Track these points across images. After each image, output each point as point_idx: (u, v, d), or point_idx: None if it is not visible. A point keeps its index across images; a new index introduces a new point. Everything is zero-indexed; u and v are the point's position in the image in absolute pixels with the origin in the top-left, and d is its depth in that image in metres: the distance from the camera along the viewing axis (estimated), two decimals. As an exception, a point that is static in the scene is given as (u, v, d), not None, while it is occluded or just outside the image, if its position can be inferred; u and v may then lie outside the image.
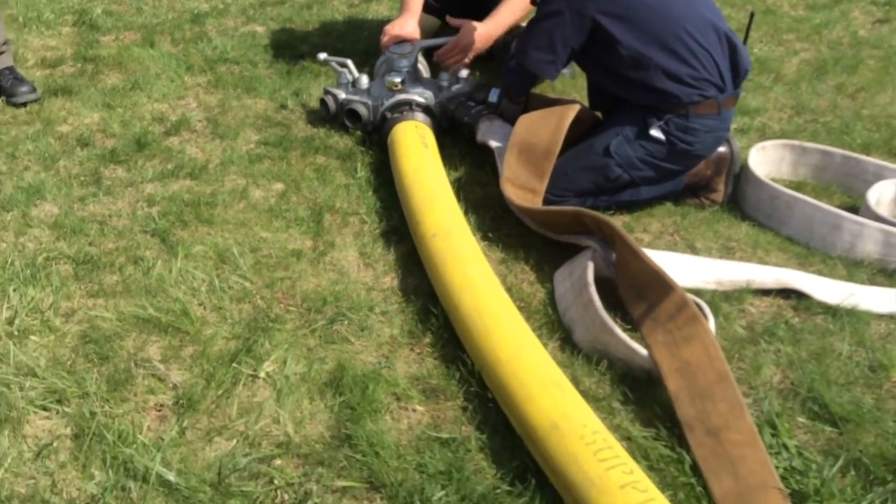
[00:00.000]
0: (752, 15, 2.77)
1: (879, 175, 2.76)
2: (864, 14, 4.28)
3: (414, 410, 1.92)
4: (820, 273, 2.42)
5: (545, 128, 2.61)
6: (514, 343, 1.88)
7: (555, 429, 1.67)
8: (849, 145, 3.04)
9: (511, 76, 2.70)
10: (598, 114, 2.80)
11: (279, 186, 2.69)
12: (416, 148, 2.61)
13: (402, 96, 2.85)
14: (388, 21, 3.83)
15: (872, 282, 2.41)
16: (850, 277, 2.41)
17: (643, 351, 1.97)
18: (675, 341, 1.95)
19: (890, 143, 3.13)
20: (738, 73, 2.58)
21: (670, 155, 2.55)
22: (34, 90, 3.09)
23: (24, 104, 3.05)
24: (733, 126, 2.97)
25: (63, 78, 3.27)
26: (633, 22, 2.47)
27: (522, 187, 2.54)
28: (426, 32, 3.28)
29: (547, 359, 1.86)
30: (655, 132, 2.51)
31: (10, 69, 3.13)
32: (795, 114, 3.38)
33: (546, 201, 2.55)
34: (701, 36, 2.49)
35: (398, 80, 2.87)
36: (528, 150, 2.57)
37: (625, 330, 2.04)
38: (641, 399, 1.94)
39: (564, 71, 3.52)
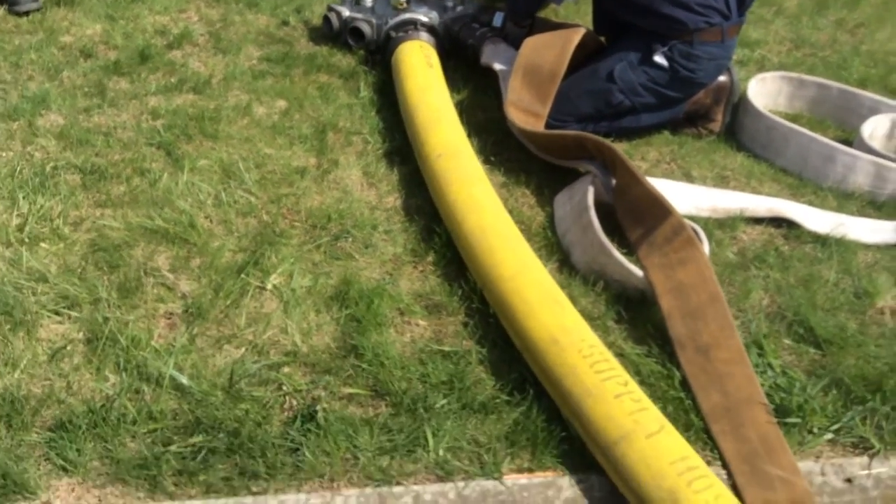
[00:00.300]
0: None
1: (875, 109, 2.81)
2: (868, -52, 4.25)
3: (417, 325, 1.98)
4: (811, 203, 2.49)
5: (550, 51, 2.62)
6: (516, 261, 1.94)
7: (554, 342, 1.75)
8: (846, 80, 3.08)
9: None
10: (603, 39, 2.81)
11: (282, 104, 2.71)
12: (421, 68, 2.62)
13: (407, 15, 2.85)
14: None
15: (862, 213, 2.48)
16: (840, 208, 2.48)
17: (639, 272, 2.03)
18: (670, 263, 2.02)
19: (886, 79, 3.17)
20: (743, 1, 2.59)
21: (672, 81, 2.58)
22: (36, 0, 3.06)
23: (27, 13, 3.02)
24: (733, 57, 2.99)
25: (63, -13, 3.23)
26: None
27: (526, 110, 2.57)
28: None
29: (547, 277, 1.93)
30: (659, 58, 2.53)
31: (11, -23, 3.09)
32: (795, 47, 3.41)
33: (547, 125, 2.59)
34: None
35: (403, -2, 2.87)
36: (533, 72, 2.59)
37: (621, 253, 2.10)
38: (635, 319, 2.01)
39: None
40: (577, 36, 2.63)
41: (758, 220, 2.39)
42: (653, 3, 2.52)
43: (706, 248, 2.11)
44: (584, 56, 2.69)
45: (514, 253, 1.97)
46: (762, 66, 3.21)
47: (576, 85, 2.62)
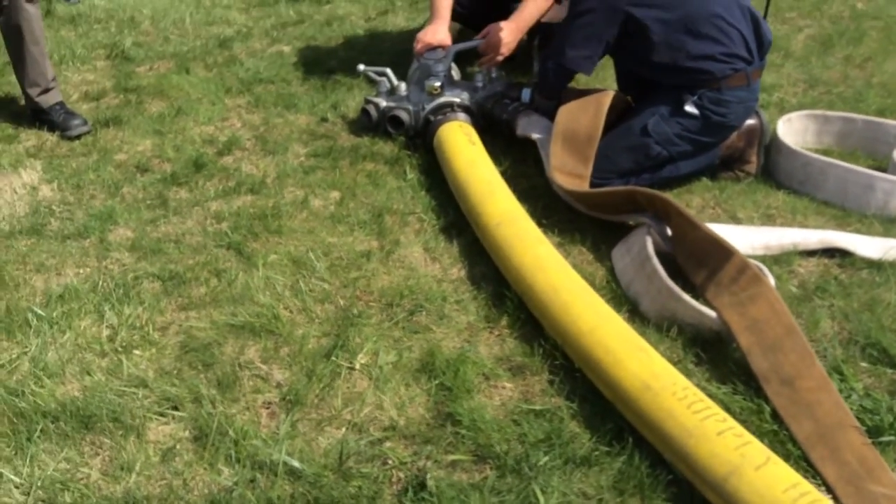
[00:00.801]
0: None
1: (902, 136, 2.91)
2: (860, -14, 4.44)
3: (504, 387, 2.05)
4: (858, 231, 2.57)
5: (585, 115, 2.75)
6: (593, 314, 2.02)
7: (647, 389, 1.81)
8: (865, 112, 3.19)
9: (549, 76, 2.84)
10: (629, 98, 2.94)
11: (336, 194, 2.83)
12: (465, 145, 2.75)
13: (443, 99, 2.99)
14: (406, 31, 4.01)
15: (908, 236, 2.56)
16: (886, 233, 2.56)
17: (712, 313, 2.10)
18: (740, 301, 2.09)
19: (904, 107, 3.29)
20: (762, 44, 2.73)
21: (705, 128, 2.69)
22: (86, 123, 3.22)
23: (79, 136, 3.18)
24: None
25: (109, 109, 3.40)
26: (663, 8, 2.61)
27: (570, 174, 2.68)
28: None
29: (626, 326, 2.00)
30: (690, 108, 2.65)
31: (61, 104, 3.25)
32: (809, 87, 3.53)
33: (591, 185, 2.70)
34: (728, 13, 2.64)
35: (437, 84, 3.01)
36: (572, 138, 2.71)
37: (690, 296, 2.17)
38: (714, 359, 2.07)
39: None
40: (607, 99, 2.76)
41: (811, 253, 2.47)
42: (676, 60, 2.66)
43: (771, 282, 2.18)
44: (616, 116, 2.81)
45: (589, 306, 2.05)
46: (782, 109, 3.33)
47: (613, 143, 2.73)
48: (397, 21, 4.21)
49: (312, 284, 2.39)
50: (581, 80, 3.51)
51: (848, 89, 3.47)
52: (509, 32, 3.18)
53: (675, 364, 2.05)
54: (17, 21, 3.12)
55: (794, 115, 3.03)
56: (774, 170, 2.88)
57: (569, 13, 2.73)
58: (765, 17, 2.81)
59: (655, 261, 2.25)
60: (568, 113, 2.79)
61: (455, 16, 3.36)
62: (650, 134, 2.70)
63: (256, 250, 2.54)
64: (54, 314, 2.28)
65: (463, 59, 3.36)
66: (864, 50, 3.76)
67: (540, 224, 2.62)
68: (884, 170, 2.77)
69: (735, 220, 2.67)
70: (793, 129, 3.01)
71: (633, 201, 2.45)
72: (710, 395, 1.95)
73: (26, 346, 2.18)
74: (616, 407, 1.91)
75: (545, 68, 2.85)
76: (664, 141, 2.70)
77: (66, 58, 3.81)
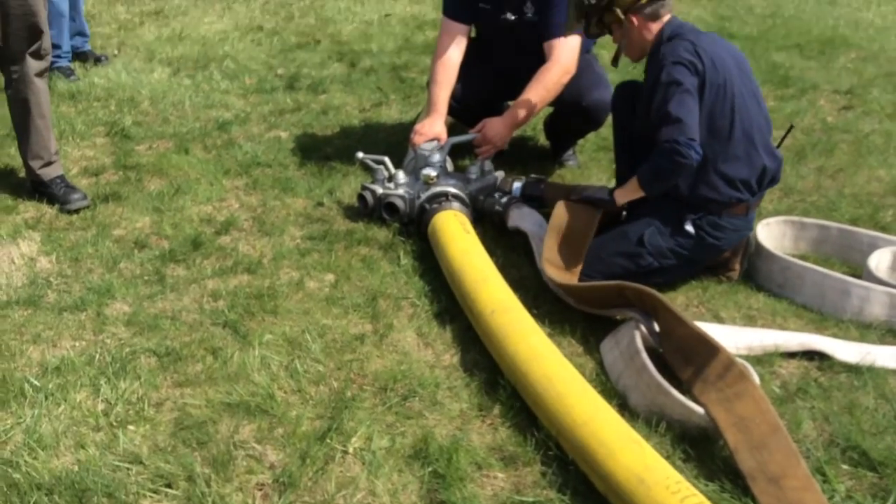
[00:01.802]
0: (790, 127, 3.08)
1: (874, 245, 3.05)
2: (830, 102, 4.68)
3: (496, 477, 2.08)
4: (835, 335, 2.67)
5: (582, 213, 2.87)
6: (587, 406, 2.07)
7: (640, 482, 1.85)
8: (838, 221, 3.34)
9: (680, 154, 2.63)
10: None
11: (331, 277, 2.89)
12: (460, 234, 2.85)
13: (439, 188, 3.10)
14: (399, 123, 4.16)
15: (883, 341, 2.66)
16: (863, 338, 2.66)
17: (699, 409, 2.16)
18: (727, 398, 2.16)
19: (875, 217, 3.44)
20: (771, 180, 2.88)
21: (698, 247, 2.80)
22: (85, 197, 3.27)
23: (78, 210, 3.22)
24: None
25: (109, 185, 3.46)
26: (717, 98, 2.70)
27: (561, 267, 2.77)
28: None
29: (619, 418, 2.05)
30: (688, 227, 2.77)
31: (62, 178, 3.31)
32: (784, 195, 3.68)
33: (579, 281, 2.78)
34: (762, 142, 2.78)
35: (433, 173, 3.13)
36: (567, 233, 2.82)
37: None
38: (701, 455, 2.13)
39: (570, 162, 3.83)
40: (600, 211, 2.90)
41: (791, 355, 2.55)
42: (694, 188, 2.76)
43: (756, 380, 2.26)
44: (609, 218, 2.93)
45: (583, 398, 2.10)
46: (760, 214, 3.46)
47: (607, 246, 2.83)
48: (391, 113, 4.36)
49: (307, 365, 2.43)
50: (566, 179, 3.64)
51: (821, 199, 3.62)
52: (504, 126, 3.32)
53: (664, 460, 2.10)
54: (25, 94, 3.20)
55: (772, 220, 3.16)
56: (754, 272, 2.99)
57: (664, 97, 2.67)
58: (778, 146, 2.92)
59: (644, 355, 2.32)
60: (564, 210, 2.91)
61: (450, 110, 3.50)
62: (645, 245, 2.79)
63: (252, 329, 2.58)
64: (50, 386, 2.29)
65: (457, 152, 3.48)
66: (836, 161, 3.94)
67: (530, 314, 2.70)
68: (859, 276, 2.89)
69: (718, 319, 2.76)
70: (771, 234, 3.13)
71: (621, 296, 2.53)
72: (700, 493, 2.00)
73: (21, 417, 2.18)
74: (609, 500, 1.94)
75: (664, 153, 2.66)
76: (657, 253, 2.80)
77: (65, 133, 3.88)
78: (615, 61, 3.00)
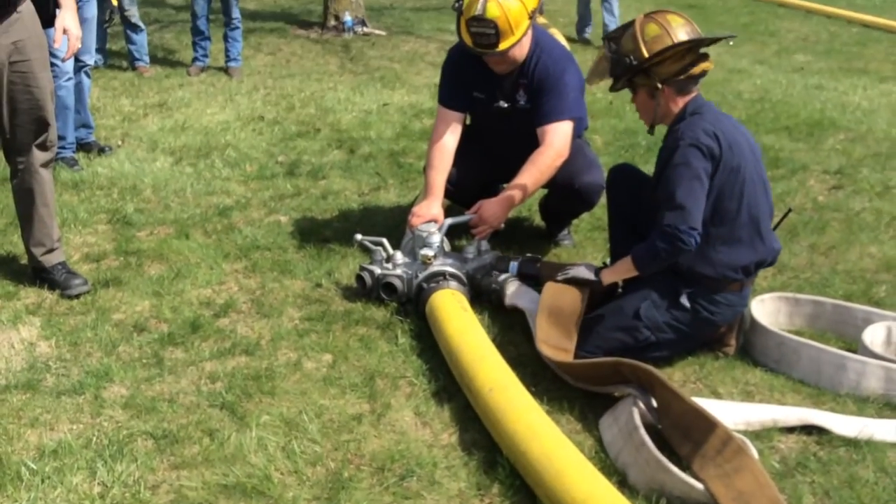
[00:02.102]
0: (788, 210, 3.19)
1: (868, 320, 3.07)
2: (820, 182, 4.77)
3: (497, 557, 2.05)
4: (833, 410, 2.67)
5: (569, 292, 2.91)
6: (587, 484, 2.06)
7: (640, 557, 1.83)
8: (832, 297, 3.37)
9: (678, 239, 2.70)
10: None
11: (328, 357, 2.90)
12: (457, 312, 2.88)
13: (436, 268, 3.14)
14: (397, 206, 4.24)
15: (881, 415, 2.66)
16: (860, 412, 2.66)
17: (699, 485, 2.15)
18: (726, 473, 2.15)
19: (868, 293, 3.47)
20: (769, 264, 2.96)
21: (693, 322, 2.83)
22: (86, 283, 3.31)
23: (78, 296, 3.25)
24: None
25: (109, 270, 3.50)
26: (729, 176, 2.76)
27: (555, 346, 2.78)
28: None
29: (619, 496, 2.04)
30: (684, 301, 2.80)
31: (63, 264, 3.35)
32: (778, 272, 3.72)
33: (577, 357, 2.80)
34: (766, 229, 2.86)
35: (431, 253, 3.17)
36: (557, 312, 2.85)
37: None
38: (702, 531, 2.11)
39: (565, 242, 3.89)
40: (588, 288, 2.94)
41: (790, 429, 2.55)
42: (692, 264, 2.81)
43: (755, 455, 2.25)
44: (605, 293, 2.96)
45: (583, 475, 2.10)
46: (754, 291, 3.50)
47: (603, 321, 2.86)
48: (389, 197, 4.44)
49: (304, 446, 2.42)
50: (562, 258, 3.69)
51: (815, 275, 3.66)
52: (499, 207, 3.39)
53: (664, 536, 2.08)
54: (30, 184, 3.27)
55: (766, 296, 3.20)
56: (750, 348, 3.01)
57: (674, 178, 2.74)
58: (775, 228, 2.99)
59: (643, 431, 2.32)
60: (553, 290, 2.94)
61: (446, 193, 3.57)
62: (641, 318, 2.82)
63: (249, 411, 2.58)
64: (46, 469, 2.28)
65: (454, 232, 3.54)
66: (828, 239, 4.00)
67: (528, 391, 2.70)
68: (854, 352, 2.91)
69: (716, 395, 2.76)
70: (766, 310, 3.16)
71: (618, 373, 2.55)
72: (700, 568, 1.98)
73: (17, 501, 2.17)
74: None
75: (665, 238, 2.72)
76: (654, 327, 2.82)
77: (68, 220, 3.95)
78: (651, 130, 3.04)
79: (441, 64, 3.82)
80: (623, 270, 2.91)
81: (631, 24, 2.92)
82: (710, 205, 2.76)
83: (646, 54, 2.80)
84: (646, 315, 2.81)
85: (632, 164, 3.29)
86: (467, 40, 3.39)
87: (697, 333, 2.88)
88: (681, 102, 2.88)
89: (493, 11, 3.27)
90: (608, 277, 2.94)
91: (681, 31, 2.80)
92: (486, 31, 3.31)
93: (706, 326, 2.87)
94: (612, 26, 8.37)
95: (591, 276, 2.95)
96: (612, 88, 3.01)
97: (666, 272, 2.83)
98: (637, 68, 2.85)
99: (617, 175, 3.27)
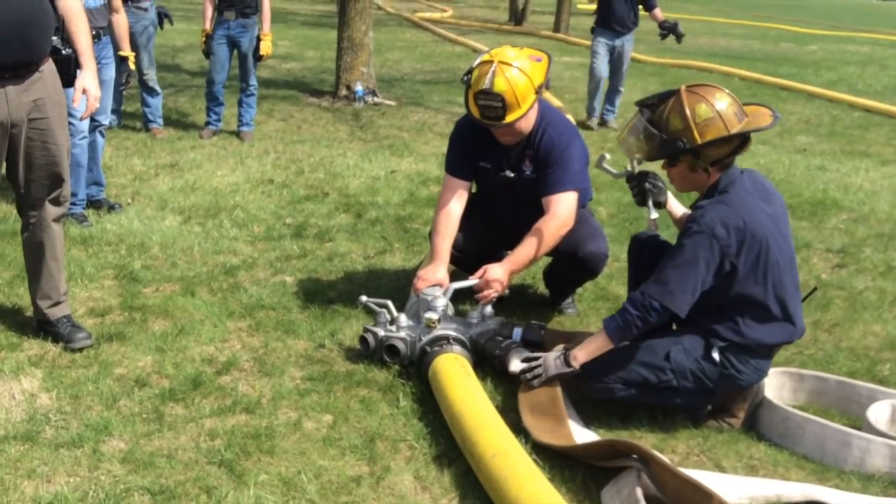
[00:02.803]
0: (814, 288, 3.26)
1: (872, 397, 3.06)
2: (823, 260, 4.80)
3: None
4: (838, 487, 2.64)
5: (541, 389, 2.95)
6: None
7: None
8: (836, 373, 3.36)
9: (651, 316, 2.78)
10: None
11: (329, 418, 2.89)
12: (460, 376, 2.88)
13: (440, 332, 3.15)
14: (402, 270, 4.27)
15: (886, 493, 2.62)
16: (865, 490, 2.63)
17: (702, 558, 2.12)
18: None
19: (872, 371, 3.46)
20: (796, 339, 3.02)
21: (718, 377, 2.86)
22: (90, 336, 3.31)
23: (81, 349, 3.26)
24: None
25: (113, 325, 3.51)
26: (754, 260, 2.79)
27: (552, 433, 2.76)
28: None
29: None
30: (716, 355, 2.84)
31: (68, 317, 3.36)
32: (782, 348, 3.72)
33: (593, 387, 2.90)
34: (794, 308, 2.90)
35: (435, 317, 3.18)
36: (539, 409, 2.88)
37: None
38: None
39: (569, 310, 3.88)
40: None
41: (794, 505, 2.52)
42: (727, 336, 2.84)
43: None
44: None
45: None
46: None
47: (631, 355, 2.89)
48: (394, 260, 4.47)
49: (302, 506, 2.39)
50: (565, 326, 3.69)
51: (818, 352, 3.66)
52: (504, 272, 3.41)
53: None
54: (41, 238, 3.30)
55: (771, 371, 3.18)
56: (755, 422, 2.99)
57: (674, 256, 2.80)
58: (803, 301, 3.03)
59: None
60: (525, 388, 2.97)
61: (452, 259, 3.60)
62: (670, 361, 2.85)
63: (248, 469, 2.56)
64: (41, 521, 2.25)
65: (458, 297, 3.55)
66: (831, 316, 4.00)
67: (531, 458, 2.67)
68: (858, 428, 2.88)
69: (719, 468, 2.73)
70: (770, 384, 3.14)
71: (615, 449, 2.54)
72: None
73: (8, 553, 2.14)
74: None
75: (645, 305, 2.78)
76: (679, 372, 2.85)
77: (74, 275, 3.97)
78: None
79: (448, 134, 3.90)
80: (595, 348, 2.90)
81: (671, 95, 2.89)
82: (734, 290, 2.81)
83: (698, 140, 2.79)
84: (675, 359, 2.84)
85: (655, 235, 3.31)
86: (475, 112, 3.47)
87: (717, 389, 2.90)
88: (716, 176, 2.89)
89: (500, 86, 3.35)
90: (581, 357, 2.91)
91: (732, 117, 2.80)
92: (493, 105, 3.39)
93: (729, 384, 2.88)
94: (610, 117, 8.52)
95: (564, 368, 2.93)
96: (650, 159, 2.96)
97: (701, 326, 2.86)
98: (685, 150, 2.83)
99: (638, 245, 3.32)
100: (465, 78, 3.50)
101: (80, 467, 2.55)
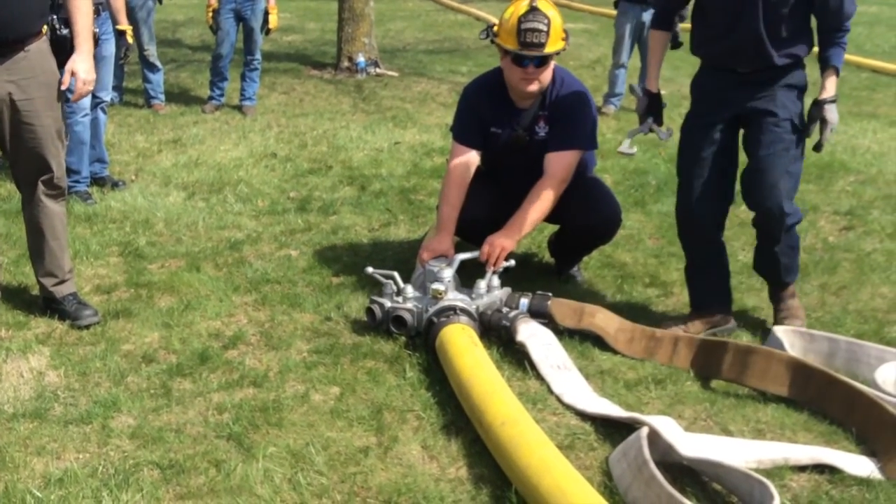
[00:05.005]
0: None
1: (881, 359, 3.05)
2: (830, 223, 4.77)
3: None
4: (845, 449, 2.63)
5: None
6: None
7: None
8: (844, 336, 3.34)
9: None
10: None
11: (336, 390, 2.89)
12: (468, 347, 2.88)
13: (447, 303, 3.14)
14: (407, 241, 4.26)
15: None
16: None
17: (710, 521, 2.12)
18: None
19: (880, 333, 3.45)
20: None
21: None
22: (96, 313, 3.32)
23: (88, 326, 3.26)
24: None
25: (120, 302, 3.52)
26: None
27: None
28: None
29: (629, 531, 2.01)
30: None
31: (74, 295, 3.36)
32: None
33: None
34: None
35: (442, 287, 3.18)
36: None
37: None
38: (714, 568, 2.07)
39: (577, 278, 3.87)
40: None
41: (802, 468, 2.52)
42: None
43: (776, 500, 2.20)
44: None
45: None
46: (766, 329, 3.48)
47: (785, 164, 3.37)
48: (399, 232, 4.46)
49: (310, 478, 2.41)
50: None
51: (826, 314, 3.64)
52: (507, 237, 3.41)
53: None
54: (38, 218, 3.28)
55: (780, 328, 3.18)
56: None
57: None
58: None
59: (652, 465, 2.29)
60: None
61: (457, 230, 3.58)
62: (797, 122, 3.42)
63: (256, 442, 2.57)
64: (52, 497, 2.27)
65: (464, 269, 3.53)
66: (839, 279, 3.98)
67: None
68: (866, 390, 2.88)
69: (727, 432, 2.73)
70: (779, 344, 3.14)
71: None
72: None
73: (21, 529, 2.16)
74: None
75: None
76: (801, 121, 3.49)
77: (80, 253, 3.97)
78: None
79: (451, 105, 3.87)
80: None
81: None
82: None
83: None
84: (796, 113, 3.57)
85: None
86: (513, 42, 3.39)
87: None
88: None
89: (546, 7, 3.39)
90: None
91: None
92: (538, 27, 3.34)
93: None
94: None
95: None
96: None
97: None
98: None
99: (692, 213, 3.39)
100: (487, 28, 3.52)
101: (89, 443, 2.56)
